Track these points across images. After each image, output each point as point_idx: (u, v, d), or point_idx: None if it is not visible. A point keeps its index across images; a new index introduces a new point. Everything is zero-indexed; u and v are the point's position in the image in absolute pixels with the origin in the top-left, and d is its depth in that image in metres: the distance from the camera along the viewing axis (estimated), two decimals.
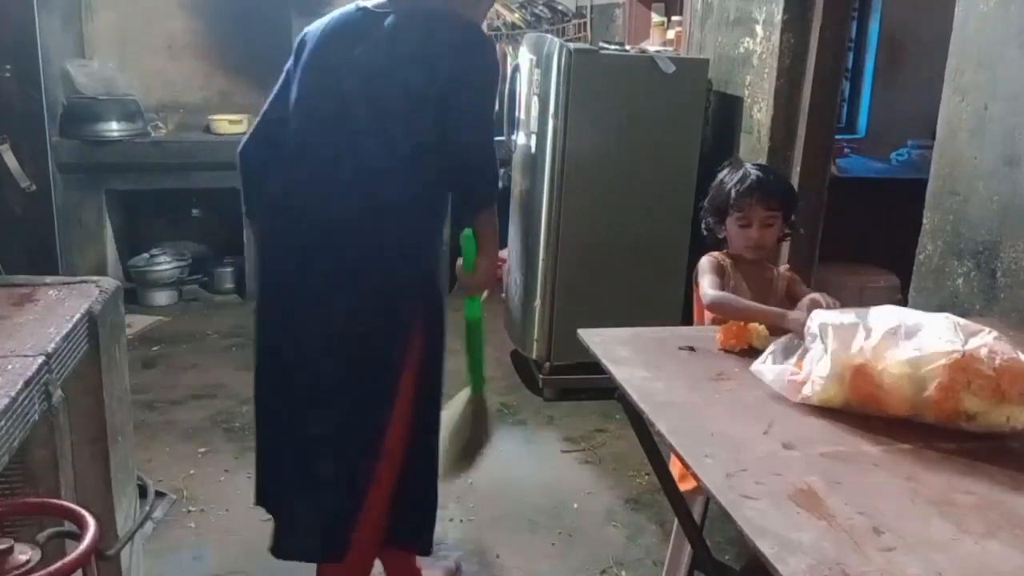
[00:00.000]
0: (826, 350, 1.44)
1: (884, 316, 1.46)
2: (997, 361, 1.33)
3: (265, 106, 2.01)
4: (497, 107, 2.16)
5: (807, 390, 1.46)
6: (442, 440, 2.03)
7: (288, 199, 1.90)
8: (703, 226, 2.25)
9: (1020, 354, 1.36)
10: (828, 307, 1.75)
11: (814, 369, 1.46)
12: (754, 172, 2.13)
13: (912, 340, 1.40)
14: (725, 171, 2.19)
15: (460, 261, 1.94)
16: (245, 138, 2.00)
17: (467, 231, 1.92)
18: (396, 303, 1.87)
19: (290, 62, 1.99)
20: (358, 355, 1.86)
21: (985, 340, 1.37)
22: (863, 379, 1.41)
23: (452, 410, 2.09)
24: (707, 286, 2.00)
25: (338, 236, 1.84)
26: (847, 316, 1.49)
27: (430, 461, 2.02)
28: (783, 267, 2.25)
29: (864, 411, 1.42)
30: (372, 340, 1.86)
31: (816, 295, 1.90)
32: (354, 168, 1.83)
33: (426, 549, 2.08)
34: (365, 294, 1.84)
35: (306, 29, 1.99)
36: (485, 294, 2.02)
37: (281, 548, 1.98)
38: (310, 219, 1.85)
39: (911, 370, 1.36)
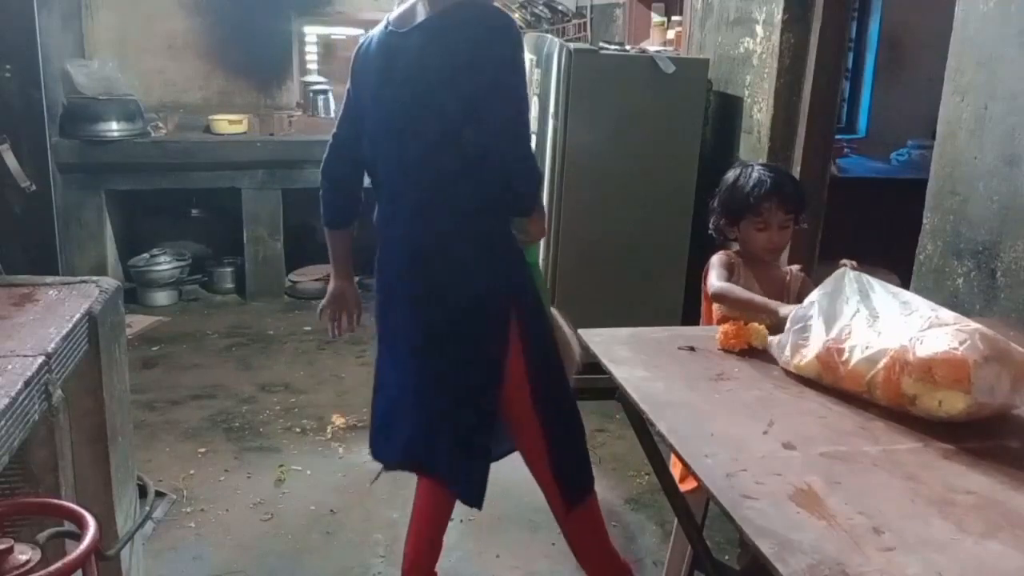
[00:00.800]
0: (817, 317, 1.59)
1: (874, 296, 1.57)
2: (933, 350, 1.39)
3: (335, 128, 2.12)
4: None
5: (788, 356, 1.60)
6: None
7: (381, 225, 2.02)
8: (711, 227, 2.23)
9: (973, 344, 1.37)
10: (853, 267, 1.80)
11: (808, 336, 1.59)
12: (769, 176, 2.11)
13: (878, 324, 1.51)
14: (736, 172, 2.17)
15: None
16: (325, 159, 2.12)
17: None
18: (478, 302, 1.94)
19: (348, 85, 2.07)
20: (462, 347, 1.97)
21: (942, 330, 1.42)
22: (832, 355, 1.53)
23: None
24: (714, 278, 2.02)
25: (415, 252, 1.95)
26: (841, 291, 1.61)
27: (571, 423, 2.17)
28: (794, 267, 2.24)
29: (831, 384, 1.54)
30: (470, 333, 1.96)
31: (846, 260, 1.93)
32: (413, 186, 1.91)
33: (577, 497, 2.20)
34: (445, 305, 1.94)
35: (352, 53, 2.05)
36: (540, 243, 2.19)
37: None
38: (397, 241, 1.98)
39: (867, 352, 1.47)
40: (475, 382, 2.00)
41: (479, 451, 2.08)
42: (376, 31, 1.98)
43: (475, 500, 2.11)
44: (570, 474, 2.17)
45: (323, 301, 2.22)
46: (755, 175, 2.12)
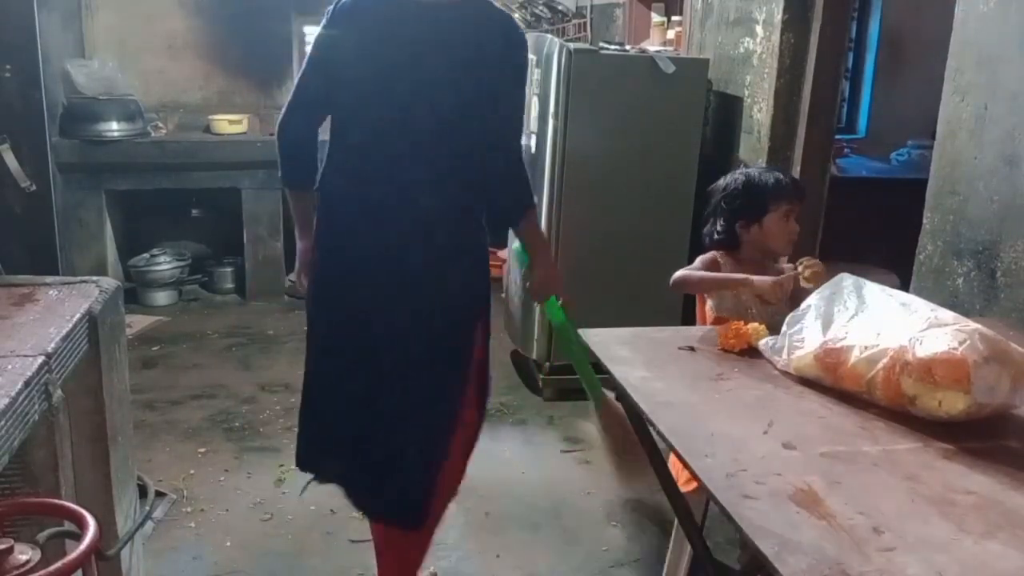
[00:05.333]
0: (814, 319, 1.60)
1: (872, 298, 1.58)
2: (933, 350, 1.39)
3: (299, 79, 1.97)
4: None
5: (786, 358, 1.60)
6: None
7: (364, 192, 1.91)
8: (719, 233, 2.20)
9: (973, 345, 1.38)
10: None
11: (805, 337, 1.60)
12: (779, 171, 2.22)
13: (877, 324, 1.51)
14: (742, 176, 2.19)
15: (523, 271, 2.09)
16: (284, 113, 1.98)
17: (516, 244, 2.05)
18: (475, 290, 2.00)
19: (323, 32, 1.91)
20: (440, 337, 1.94)
21: (942, 330, 1.42)
22: (830, 355, 1.53)
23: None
24: (680, 270, 2.10)
25: (421, 229, 1.89)
26: (839, 294, 1.61)
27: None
28: (789, 265, 2.25)
29: (831, 384, 1.54)
30: (454, 323, 1.96)
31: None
32: (430, 165, 1.88)
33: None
34: (453, 281, 1.93)
35: (335, 6, 1.90)
36: (560, 300, 2.10)
37: (371, 511, 2.08)
38: (389, 212, 1.89)
39: (866, 352, 1.48)
40: (449, 368, 1.96)
41: (422, 463, 1.98)
42: None
43: (412, 520, 2.01)
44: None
45: (298, 265, 2.10)
46: (768, 172, 2.20)
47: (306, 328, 2.08)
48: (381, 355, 1.93)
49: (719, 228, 2.22)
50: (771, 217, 2.14)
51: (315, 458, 2.07)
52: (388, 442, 1.96)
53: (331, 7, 1.90)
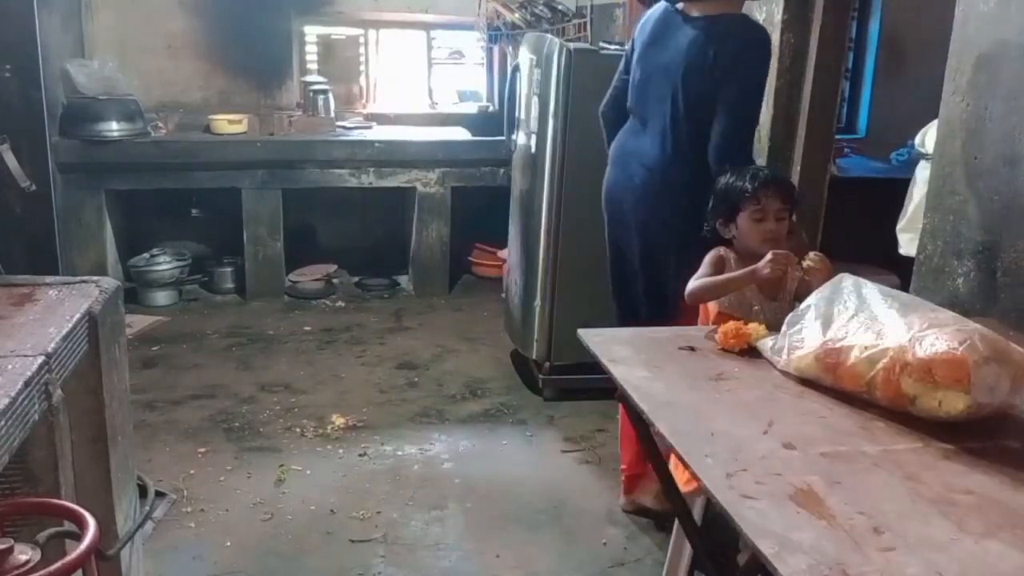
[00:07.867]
0: (814, 319, 1.60)
1: (872, 298, 1.57)
2: (933, 350, 1.39)
3: (616, 77, 2.77)
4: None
5: (786, 358, 1.61)
6: None
7: (619, 144, 2.72)
8: (705, 229, 2.24)
9: (973, 345, 1.38)
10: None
11: (805, 337, 1.60)
12: (765, 169, 2.19)
13: (877, 324, 1.51)
14: (727, 175, 2.19)
15: None
16: (604, 102, 2.82)
17: None
18: (672, 230, 2.55)
19: (633, 42, 2.66)
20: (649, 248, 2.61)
21: (942, 330, 1.42)
22: (830, 355, 1.53)
23: None
24: (689, 282, 2.08)
25: (644, 179, 2.57)
26: (839, 294, 1.61)
27: None
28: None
29: (831, 385, 1.54)
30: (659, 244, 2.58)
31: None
32: (662, 139, 2.51)
33: None
34: (657, 218, 2.57)
35: (643, 19, 2.65)
36: None
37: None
38: (630, 159, 2.64)
39: (866, 352, 1.47)
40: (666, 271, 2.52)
41: None
42: (658, 9, 2.58)
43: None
44: None
45: None
46: (749, 170, 2.16)
47: None
48: (624, 255, 2.73)
49: (704, 228, 2.23)
50: (742, 216, 2.11)
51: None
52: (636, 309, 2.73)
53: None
